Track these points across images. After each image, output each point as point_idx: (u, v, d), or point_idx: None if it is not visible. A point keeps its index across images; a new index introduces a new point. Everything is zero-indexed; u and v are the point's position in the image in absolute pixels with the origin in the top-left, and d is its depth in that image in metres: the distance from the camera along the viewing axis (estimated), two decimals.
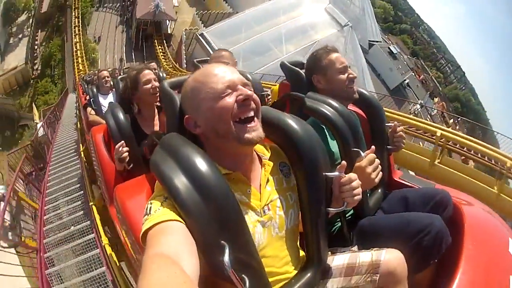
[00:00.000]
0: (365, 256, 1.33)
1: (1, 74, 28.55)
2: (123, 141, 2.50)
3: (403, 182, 2.22)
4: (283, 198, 1.28)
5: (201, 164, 1.02)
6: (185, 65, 27.05)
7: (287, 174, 1.35)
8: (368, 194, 1.87)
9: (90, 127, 5.12)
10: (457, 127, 41.00)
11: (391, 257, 1.27)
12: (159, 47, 31.05)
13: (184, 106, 1.25)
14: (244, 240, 1.04)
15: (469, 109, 67.95)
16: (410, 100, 41.45)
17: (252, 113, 1.16)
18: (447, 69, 76.95)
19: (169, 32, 33.89)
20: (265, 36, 24.96)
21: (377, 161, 1.52)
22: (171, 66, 26.61)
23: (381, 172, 1.54)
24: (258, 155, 1.32)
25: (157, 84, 2.74)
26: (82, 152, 6.60)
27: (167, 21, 33.50)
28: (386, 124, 2.10)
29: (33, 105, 25.61)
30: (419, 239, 1.45)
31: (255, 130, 1.16)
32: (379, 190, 2.00)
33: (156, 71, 3.31)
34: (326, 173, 1.30)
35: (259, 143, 1.21)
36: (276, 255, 1.21)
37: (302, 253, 1.36)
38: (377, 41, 41.91)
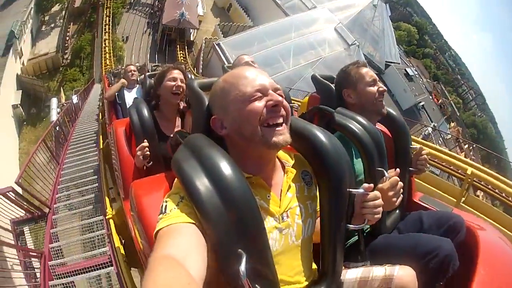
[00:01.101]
0: (378, 271, 1.37)
1: (32, 57, 29.45)
2: (146, 142, 2.51)
3: (422, 204, 2.24)
4: (303, 206, 1.27)
5: (224, 166, 1.01)
6: (201, 71, 28.38)
7: (309, 182, 1.34)
8: (386, 214, 1.90)
9: (108, 103, 5.53)
10: (471, 153, 41.01)
11: (404, 273, 1.31)
12: (181, 52, 32.16)
13: (212, 107, 1.24)
14: (261, 250, 1.03)
15: (486, 136, 67.07)
16: (423, 122, 41.55)
17: (281, 120, 1.16)
18: (469, 95, 76.24)
19: (191, 39, 35.10)
20: (275, 49, 26.16)
21: (400, 184, 1.52)
22: (188, 70, 28.00)
23: (401, 196, 1.54)
24: (281, 161, 1.31)
25: (182, 85, 2.75)
26: (101, 150, 6.56)
27: (191, 29, 34.15)
28: (411, 146, 2.14)
29: (61, 89, 26.84)
30: (427, 260, 1.51)
31: (282, 134, 1.15)
32: (397, 211, 2.01)
33: (187, 72, 3.28)
34: (351, 189, 1.29)
35: (284, 147, 1.19)
36: (289, 263, 1.19)
37: (314, 265, 1.35)
38: (394, 62, 42.08)
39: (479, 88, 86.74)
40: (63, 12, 35.07)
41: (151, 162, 2.55)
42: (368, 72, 2.07)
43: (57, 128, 10.37)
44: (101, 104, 12.14)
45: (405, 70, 45.40)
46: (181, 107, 2.88)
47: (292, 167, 1.30)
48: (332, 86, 2.21)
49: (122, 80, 5.44)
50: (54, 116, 17.69)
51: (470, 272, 1.47)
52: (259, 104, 1.14)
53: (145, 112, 2.68)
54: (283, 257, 1.17)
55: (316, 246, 1.35)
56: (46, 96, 26.54)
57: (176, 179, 1.12)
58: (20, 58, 26.78)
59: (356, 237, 1.73)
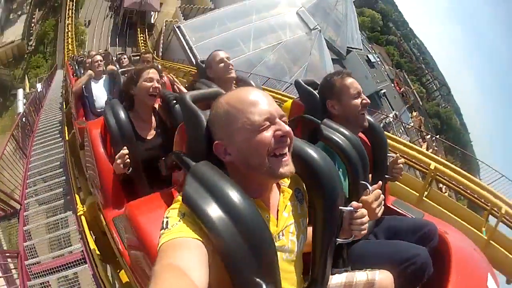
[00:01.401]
0: (361, 276, 1.49)
1: (0, 46, 29.43)
2: (126, 149, 2.43)
3: (395, 209, 2.34)
4: (296, 224, 1.29)
5: (237, 198, 1.01)
6: (161, 54, 28.30)
7: (301, 200, 1.36)
8: None
9: (76, 97, 5.36)
10: (434, 144, 41.68)
11: (383, 277, 1.45)
12: (141, 35, 31.89)
13: (214, 129, 1.21)
14: (276, 279, 1.05)
15: (450, 127, 68.45)
16: (384, 110, 42.03)
17: (287, 149, 1.15)
18: (433, 85, 77.51)
19: (152, 22, 35.05)
20: (236, 32, 26.03)
21: (382, 196, 1.58)
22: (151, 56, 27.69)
23: (383, 207, 1.59)
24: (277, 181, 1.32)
25: (159, 85, 2.65)
26: (67, 141, 6.52)
27: (151, 11, 34.74)
28: (388, 155, 2.21)
29: (26, 76, 26.54)
30: (405, 267, 1.61)
31: (288, 164, 1.15)
32: None
33: (156, 66, 3.18)
34: (341, 207, 1.36)
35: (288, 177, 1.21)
36: (283, 277, 1.18)
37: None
38: (356, 48, 42.45)
39: (445, 78, 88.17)
40: None
41: (131, 169, 2.47)
42: (352, 84, 2.08)
43: (24, 120, 10.38)
44: (64, 92, 12.06)
45: (367, 56, 45.81)
46: (156, 106, 2.81)
47: (288, 186, 1.32)
48: (317, 94, 2.19)
49: (89, 72, 5.26)
50: (20, 107, 17.74)
51: (443, 278, 1.61)
52: (268, 135, 1.12)
53: (122, 115, 2.58)
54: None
55: (308, 256, 1.40)
56: (12, 85, 26.56)
57: (176, 197, 1.13)
58: None
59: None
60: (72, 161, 5.91)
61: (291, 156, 1.17)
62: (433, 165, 5.72)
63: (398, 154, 2.21)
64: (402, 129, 38.40)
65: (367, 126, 2.09)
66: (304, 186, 1.38)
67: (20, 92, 21.18)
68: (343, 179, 1.77)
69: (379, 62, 52.13)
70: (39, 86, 16.82)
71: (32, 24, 33.17)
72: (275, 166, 1.12)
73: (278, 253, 1.14)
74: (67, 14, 31.50)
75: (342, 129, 1.84)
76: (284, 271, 1.19)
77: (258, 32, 26.39)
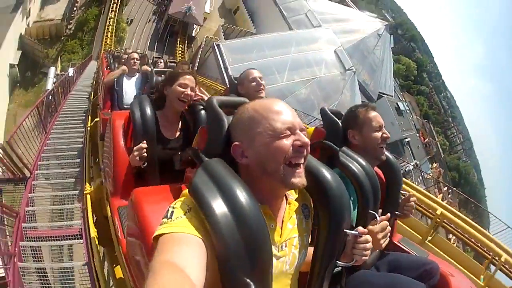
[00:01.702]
0: None
1: (38, 20, 29.16)
2: (145, 143, 2.48)
3: (401, 246, 2.34)
4: (300, 238, 1.30)
5: (244, 197, 1.03)
6: (196, 69, 28.41)
7: (307, 216, 1.37)
8: None
9: (106, 88, 5.48)
10: (449, 196, 41.37)
11: None
12: (180, 45, 32.23)
13: (234, 132, 1.24)
14: (267, 284, 1.04)
15: (467, 181, 67.83)
16: (406, 158, 41.82)
17: (303, 160, 1.18)
18: (457, 139, 77.42)
19: (193, 34, 35.37)
20: (272, 61, 26.07)
21: (389, 228, 1.60)
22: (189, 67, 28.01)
23: (388, 239, 1.61)
24: (285, 193, 1.32)
25: (191, 93, 2.68)
26: (88, 130, 6.50)
27: (194, 24, 34.88)
28: (401, 192, 2.22)
29: (59, 58, 26.69)
30: None
31: (301, 176, 1.17)
32: (377, 250, 2.06)
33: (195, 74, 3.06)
34: (346, 230, 1.37)
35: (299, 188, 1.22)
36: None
37: None
38: (387, 94, 42.47)
39: (469, 133, 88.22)
40: None
41: (146, 164, 2.51)
42: (376, 117, 2.11)
43: (50, 98, 10.56)
44: (94, 83, 12.16)
45: (397, 103, 45.59)
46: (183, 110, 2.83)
47: (295, 200, 1.33)
48: (340, 123, 2.21)
49: (124, 67, 5.40)
50: (50, 84, 18.49)
51: None
52: (287, 142, 1.15)
53: (148, 111, 2.64)
54: (277, 283, 1.17)
55: (306, 275, 1.41)
56: (44, 63, 26.39)
57: (184, 191, 1.14)
58: (27, 18, 26.61)
59: (339, 269, 1.69)
60: (90, 148, 5.94)
61: (304, 171, 1.20)
62: (439, 210, 5.75)
63: (411, 193, 2.23)
64: (421, 178, 38.17)
65: (385, 159, 2.12)
66: (312, 204, 1.40)
67: (52, 70, 21.84)
68: (352, 208, 1.74)
69: (407, 111, 51.97)
70: (71, 71, 17.17)
71: (75, 8, 33.06)
72: (288, 175, 1.15)
73: (279, 263, 1.20)
74: (111, 7, 32.26)
75: (359, 158, 1.88)
76: (282, 284, 1.24)
77: (294, 64, 26.41)
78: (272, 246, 1.15)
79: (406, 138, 45.58)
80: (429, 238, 5.79)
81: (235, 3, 38.94)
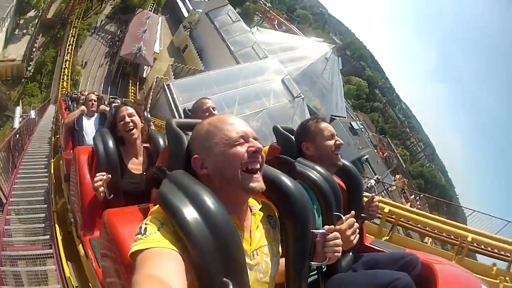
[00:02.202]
0: None
1: (2, 60, 29.29)
2: (109, 176, 2.50)
3: (373, 247, 2.31)
4: (269, 247, 1.33)
5: (211, 201, 1.06)
6: (148, 109, 28.53)
7: (274, 226, 1.41)
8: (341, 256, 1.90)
9: (66, 129, 5.51)
10: (418, 203, 41.74)
11: None
12: (132, 87, 33.45)
13: (194, 146, 1.30)
14: (244, 281, 1.06)
15: (434, 185, 69.26)
16: (366, 175, 42.37)
17: (259, 166, 1.24)
18: (417, 147, 79.16)
19: (144, 76, 35.87)
20: (221, 96, 26.09)
21: (356, 224, 1.61)
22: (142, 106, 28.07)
23: (358, 235, 1.62)
24: (249, 205, 1.36)
25: (131, 119, 2.79)
26: (52, 163, 6.58)
27: (145, 65, 35.60)
28: (363, 195, 2.27)
29: (20, 101, 26.38)
30: None
31: (259, 181, 1.22)
32: (350, 253, 2.07)
33: (141, 107, 3.04)
34: (313, 230, 1.42)
35: (259, 193, 1.27)
36: None
37: None
38: (340, 116, 42.80)
39: (429, 139, 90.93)
40: (36, 20, 35.05)
41: (112, 195, 2.53)
42: (326, 127, 2.18)
43: (17, 136, 10.79)
44: (53, 126, 12.32)
45: (350, 123, 46.25)
46: (141, 140, 2.94)
47: (259, 210, 1.37)
48: (293, 138, 2.27)
49: (82, 107, 5.52)
50: (16, 123, 18.31)
51: None
52: (241, 149, 1.22)
53: (111, 143, 2.73)
54: None
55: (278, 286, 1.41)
56: (7, 105, 26.35)
57: (152, 208, 1.19)
58: None
59: (315, 276, 1.73)
60: (54, 188, 5.85)
61: (264, 180, 1.26)
62: (387, 208, 5.82)
63: (373, 194, 2.31)
64: (385, 191, 38.55)
65: (342, 165, 2.16)
66: (277, 215, 1.45)
67: (18, 109, 21.69)
68: (317, 215, 1.76)
69: (362, 129, 52.52)
70: (32, 113, 17.32)
71: (34, 49, 33.42)
72: (247, 180, 1.20)
73: (253, 272, 1.23)
74: (66, 50, 32.47)
75: (315, 166, 1.91)
76: None
77: (243, 98, 27.24)
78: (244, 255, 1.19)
79: (364, 155, 45.99)
80: (385, 238, 5.90)
81: (184, 41, 40.28)
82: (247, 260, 1.20)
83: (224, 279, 0.98)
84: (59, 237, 3.96)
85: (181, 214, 1.02)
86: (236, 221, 1.22)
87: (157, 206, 1.14)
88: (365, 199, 2.35)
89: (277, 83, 29.03)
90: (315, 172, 1.86)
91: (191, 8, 44.88)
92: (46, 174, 7.74)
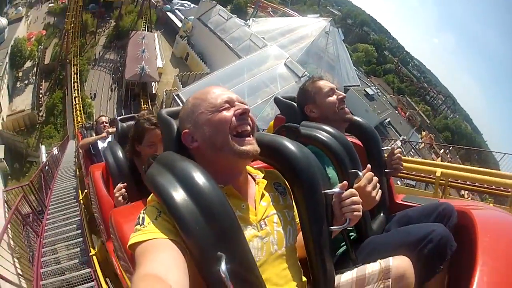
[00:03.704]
0: (373, 266, 1.37)
1: (10, 114, 30.75)
2: (125, 184, 2.50)
3: (406, 203, 2.20)
4: (280, 214, 1.26)
5: (198, 176, 1.03)
6: None
7: (283, 193, 1.35)
8: (371, 219, 1.86)
9: (84, 155, 5.59)
10: (448, 156, 41.44)
11: (399, 262, 1.31)
12: (144, 105, 32.88)
13: (182, 123, 1.26)
14: (242, 252, 1.02)
15: (461, 135, 68.16)
16: (392, 138, 41.81)
17: (249, 128, 1.21)
18: (438, 100, 77.79)
19: (153, 92, 36.51)
20: None
21: (375, 178, 1.51)
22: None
23: (380, 190, 1.52)
24: (251, 175, 1.33)
25: (158, 146, 2.67)
26: (81, 200, 6.36)
27: (152, 82, 36.37)
28: (383, 148, 2.12)
29: (40, 145, 27.33)
30: (421, 247, 1.45)
31: (252, 144, 1.19)
32: (381, 214, 2.00)
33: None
34: (325, 191, 1.31)
35: (254, 156, 1.22)
36: (276, 273, 1.17)
37: (304, 278, 1.31)
38: (353, 85, 42.70)
39: (448, 90, 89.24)
40: (35, 68, 36.53)
41: (129, 203, 2.45)
42: (324, 84, 2.09)
43: (46, 168, 11.78)
44: (77, 160, 12.50)
45: (365, 90, 46.00)
46: None
47: (263, 178, 1.33)
48: (295, 105, 2.18)
49: (97, 137, 5.44)
50: (44, 158, 19.56)
51: (472, 250, 1.36)
52: (228, 114, 1.19)
53: (120, 154, 2.76)
54: (269, 266, 1.16)
55: (305, 261, 1.34)
56: (27, 153, 27.63)
57: (149, 197, 1.17)
58: (0, 113, 28.05)
59: (344, 247, 1.69)
60: (86, 218, 5.89)
61: (264, 147, 1.26)
62: (438, 171, 5.37)
63: (393, 146, 2.20)
64: (413, 151, 38.15)
65: (351, 119, 2.07)
66: (286, 182, 1.38)
67: (43, 148, 23.09)
68: (334, 180, 1.66)
69: (379, 94, 52.03)
70: (55, 149, 18.20)
71: (40, 95, 34.68)
72: (238, 144, 1.17)
73: (264, 244, 1.17)
74: (73, 87, 33.68)
75: (320, 125, 1.83)
76: (274, 266, 1.18)
77: (252, 89, 26.81)
78: (250, 226, 1.17)
79: (385, 119, 45.69)
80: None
81: (184, 50, 40.42)
82: (254, 231, 1.18)
83: (218, 253, 0.95)
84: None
85: (169, 196, 1.01)
86: (235, 192, 1.21)
87: None
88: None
89: (281, 68, 28.93)
90: (321, 131, 1.78)
91: (182, 17, 45.31)
92: (77, 206, 7.90)
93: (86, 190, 5.97)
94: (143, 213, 1.06)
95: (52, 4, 49.70)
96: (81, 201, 6.35)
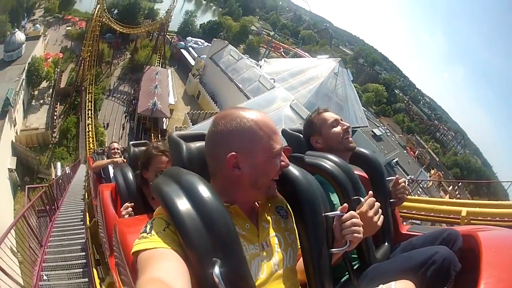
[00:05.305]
0: None
1: (24, 129, 31.42)
2: (132, 204, 2.53)
3: (411, 233, 2.14)
4: (281, 236, 1.29)
5: (202, 187, 1.05)
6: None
7: (285, 216, 1.37)
8: (375, 248, 1.84)
9: (94, 178, 5.64)
10: (457, 192, 40.53)
11: (402, 286, 1.17)
12: (155, 140, 33.70)
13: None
14: (237, 261, 1.02)
15: (470, 170, 67.78)
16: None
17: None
18: (448, 136, 77.53)
19: (164, 127, 37.00)
20: None
21: (377, 204, 1.51)
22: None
23: (382, 216, 1.52)
24: None
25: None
26: (89, 229, 6.03)
27: (163, 118, 37.00)
28: (387, 179, 2.09)
29: (52, 164, 27.79)
30: (424, 270, 1.40)
31: (276, 188, 1.28)
32: (386, 244, 1.97)
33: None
34: (326, 213, 1.32)
35: None
36: None
37: None
38: (361, 127, 42.24)
39: (458, 125, 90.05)
40: (51, 90, 37.30)
41: None
42: (329, 115, 2.12)
43: (60, 180, 12.56)
44: (86, 184, 12.45)
45: (372, 131, 46.15)
46: None
47: (266, 202, 1.35)
48: (301, 136, 2.20)
49: (109, 160, 5.46)
50: (59, 173, 20.24)
51: (476, 268, 1.30)
52: (277, 162, 1.22)
53: (130, 175, 2.80)
54: (269, 286, 1.18)
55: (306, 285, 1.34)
56: (39, 169, 28.12)
57: (157, 209, 1.18)
58: (14, 126, 28.69)
59: (347, 276, 1.68)
60: (93, 247, 5.54)
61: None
62: (464, 211, 5.12)
63: (397, 176, 2.12)
64: (421, 190, 37.47)
65: (354, 147, 2.09)
66: (288, 206, 1.40)
67: (59, 164, 23.79)
68: (337, 201, 1.71)
69: (388, 134, 52.20)
70: (67, 169, 18.77)
71: (55, 117, 35.34)
72: (272, 188, 1.25)
73: (265, 265, 1.19)
74: (86, 114, 34.62)
75: (325, 154, 1.84)
76: (273, 285, 1.19)
77: None
78: (252, 245, 1.20)
79: (393, 159, 45.52)
80: None
81: (196, 89, 41.47)
82: (257, 251, 1.20)
83: (214, 258, 0.96)
84: None
85: (174, 206, 1.03)
86: (239, 211, 1.23)
87: None
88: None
89: (287, 110, 29.23)
90: (325, 159, 1.79)
91: (196, 55, 46.28)
92: (83, 232, 7.60)
93: (94, 219, 5.60)
94: (151, 223, 1.09)
95: (70, 28, 51.33)
96: (89, 229, 6.08)
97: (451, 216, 5.43)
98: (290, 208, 1.40)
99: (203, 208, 1.02)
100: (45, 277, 5.90)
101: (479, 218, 5.16)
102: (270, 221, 1.31)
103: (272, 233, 1.28)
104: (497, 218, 5.23)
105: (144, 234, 1.04)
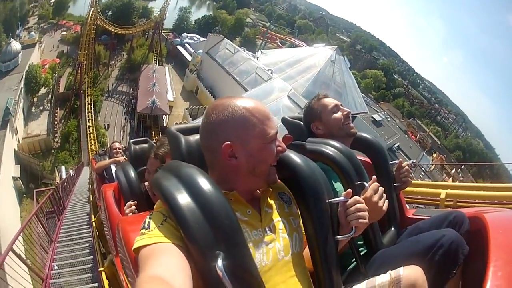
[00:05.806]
0: (383, 277, 1.26)
1: (26, 136, 31.72)
2: (135, 202, 2.55)
3: (417, 217, 2.10)
4: (285, 221, 1.27)
5: (201, 179, 1.04)
6: None
7: (288, 202, 1.35)
8: (381, 234, 1.81)
9: (97, 178, 5.67)
10: (460, 175, 40.29)
11: (410, 271, 1.20)
12: (156, 138, 33.07)
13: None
14: (240, 252, 1.01)
15: (472, 153, 67.75)
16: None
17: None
18: (450, 119, 77.58)
19: (164, 124, 36.93)
20: None
21: (381, 188, 1.48)
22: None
23: (387, 201, 1.49)
24: None
25: None
26: (94, 222, 6.33)
27: (163, 115, 37.27)
28: (390, 163, 2.06)
29: (55, 169, 28.35)
30: (432, 254, 1.39)
31: (276, 173, 1.26)
32: (392, 229, 1.94)
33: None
34: (330, 200, 1.30)
35: None
36: (283, 280, 1.16)
37: None
38: (361, 113, 42.94)
39: (459, 107, 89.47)
40: (50, 96, 37.63)
41: None
42: (329, 101, 2.10)
43: (65, 183, 13.46)
44: (91, 186, 12.60)
45: (372, 117, 46.26)
46: None
47: (268, 188, 1.32)
48: (301, 123, 2.19)
49: (111, 160, 5.56)
50: (64, 176, 20.63)
51: (485, 251, 1.28)
52: (274, 147, 1.21)
53: (132, 173, 2.81)
54: (275, 273, 1.16)
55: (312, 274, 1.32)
56: (42, 175, 28.40)
57: (156, 204, 1.17)
58: (16, 135, 29.02)
59: (354, 263, 1.68)
60: (98, 241, 5.75)
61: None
62: (443, 193, 5.10)
63: (400, 160, 2.09)
64: (423, 173, 38.05)
65: (356, 133, 2.08)
66: (291, 193, 1.38)
67: (63, 168, 24.48)
68: (341, 189, 1.69)
69: (388, 119, 52.45)
70: (71, 172, 19.06)
71: (56, 122, 35.69)
72: (271, 174, 1.24)
73: (270, 251, 1.17)
74: (87, 117, 34.84)
75: (326, 140, 1.83)
76: (281, 273, 1.17)
77: None
78: (255, 231, 1.18)
79: (394, 144, 45.59)
80: None
81: (194, 84, 41.37)
82: (260, 237, 1.18)
83: (216, 251, 0.96)
84: None
85: (174, 199, 1.02)
86: (239, 197, 1.22)
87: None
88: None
89: (285, 100, 29.24)
90: (326, 146, 1.78)
91: (192, 51, 46.90)
92: (89, 228, 7.94)
93: (98, 214, 6.01)
94: (149, 218, 1.08)
95: (65, 33, 51.47)
96: (94, 223, 6.36)
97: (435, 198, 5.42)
98: (292, 195, 1.38)
99: (203, 200, 1.02)
100: (56, 267, 6.12)
101: (464, 200, 5.14)
102: (274, 205, 1.30)
103: (276, 217, 1.27)
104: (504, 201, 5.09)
105: (143, 230, 1.04)
